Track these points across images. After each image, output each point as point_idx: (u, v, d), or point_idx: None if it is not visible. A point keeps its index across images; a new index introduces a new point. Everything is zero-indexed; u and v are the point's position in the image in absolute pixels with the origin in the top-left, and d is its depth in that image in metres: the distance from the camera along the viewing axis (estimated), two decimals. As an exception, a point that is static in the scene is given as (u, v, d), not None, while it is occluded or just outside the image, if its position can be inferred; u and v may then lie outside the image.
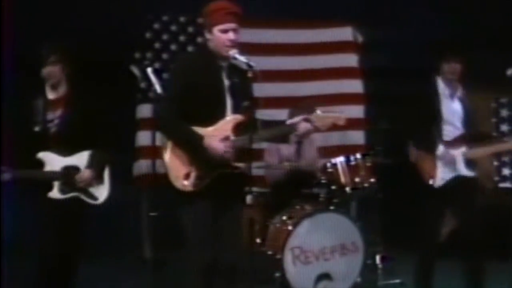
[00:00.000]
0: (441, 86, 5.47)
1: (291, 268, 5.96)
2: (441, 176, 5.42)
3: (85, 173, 5.13)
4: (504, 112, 8.71)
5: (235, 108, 4.50)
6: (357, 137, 7.93)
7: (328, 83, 8.05)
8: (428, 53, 5.66)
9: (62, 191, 5.08)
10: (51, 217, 5.04)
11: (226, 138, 4.43)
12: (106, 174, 5.25)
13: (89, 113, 5.13)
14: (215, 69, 4.51)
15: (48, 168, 5.06)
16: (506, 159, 8.61)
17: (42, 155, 5.04)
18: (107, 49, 7.36)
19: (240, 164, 4.46)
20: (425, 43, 7.59)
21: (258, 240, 6.24)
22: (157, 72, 4.74)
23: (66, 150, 5.10)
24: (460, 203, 5.43)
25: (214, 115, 4.46)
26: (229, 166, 4.44)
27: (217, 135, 4.42)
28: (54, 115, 5.09)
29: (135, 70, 4.90)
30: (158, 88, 4.59)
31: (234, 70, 4.56)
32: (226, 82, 4.51)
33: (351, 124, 7.47)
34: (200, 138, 4.39)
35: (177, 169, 4.44)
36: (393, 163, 6.38)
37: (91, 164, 5.14)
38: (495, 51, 7.49)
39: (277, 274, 5.97)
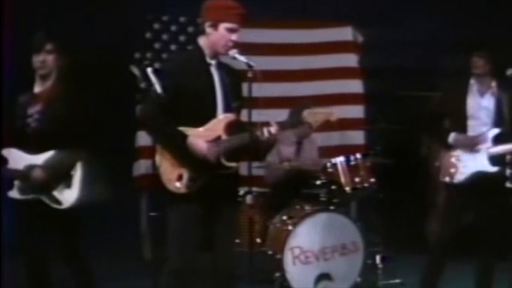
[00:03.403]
0: (471, 82, 5.37)
1: (291, 268, 5.96)
2: (462, 170, 5.26)
3: (35, 173, 4.73)
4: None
5: (226, 107, 4.41)
6: (357, 137, 7.93)
7: (328, 83, 8.05)
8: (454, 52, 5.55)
9: (22, 191, 4.78)
10: (28, 217, 4.82)
11: (217, 138, 4.35)
12: (77, 177, 4.81)
13: (71, 111, 4.77)
14: (205, 67, 4.42)
15: (11, 166, 4.78)
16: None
17: (6, 152, 4.79)
18: (107, 49, 7.36)
19: (233, 164, 4.38)
20: (425, 43, 7.60)
21: (258, 240, 6.25)
22: (157, 72, 4.72)
23: (40, 148, 4.77)
24: (480, 200, 5.26)
25: (205, 115, 4.36)
26: (221, 166, 4.33)
27: (209, 135, 4.33)
28: (34, 110, 4.80)
29: (135, 70, 4.87)
30: (158, 88, 4.57)
31: (224, 68, 4.48)
32: (217, 81, 4.42)
33: (351, 124, 7.58)
34: (183, 137, 4.28)
35: (170, 171, 4.33)
36: (394, 163, 6.38)
37: (46, 164, 4.74)
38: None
39: (277, 274, 5.97)
